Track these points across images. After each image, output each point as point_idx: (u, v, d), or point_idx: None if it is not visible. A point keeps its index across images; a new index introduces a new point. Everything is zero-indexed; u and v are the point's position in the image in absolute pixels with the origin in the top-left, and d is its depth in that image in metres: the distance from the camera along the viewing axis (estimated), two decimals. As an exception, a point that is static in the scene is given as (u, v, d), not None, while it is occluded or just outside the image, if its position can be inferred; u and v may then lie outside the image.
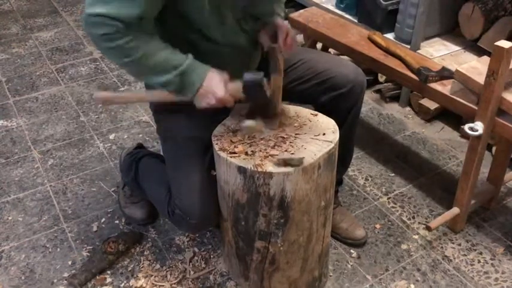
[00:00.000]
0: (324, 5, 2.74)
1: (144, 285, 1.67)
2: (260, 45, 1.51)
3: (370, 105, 2.59)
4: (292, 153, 1.31)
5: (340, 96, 1.54)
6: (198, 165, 1.47)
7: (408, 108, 2.56)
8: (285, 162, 1.27)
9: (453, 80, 1.68)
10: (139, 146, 2.00)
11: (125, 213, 1.92)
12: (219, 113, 1.42)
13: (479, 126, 1.58)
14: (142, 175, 1.75)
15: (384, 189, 2.06)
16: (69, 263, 1.76)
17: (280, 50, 1.41)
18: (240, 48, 1.43)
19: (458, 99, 1.67)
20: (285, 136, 1.38)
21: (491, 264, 1.74)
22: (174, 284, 1.67)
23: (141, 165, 1.76)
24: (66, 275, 1.72)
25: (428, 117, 2.45)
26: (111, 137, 2.40)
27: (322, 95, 1.56)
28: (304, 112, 1.49)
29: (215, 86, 1.30)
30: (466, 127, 1.61)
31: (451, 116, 2.40)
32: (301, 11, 2.35)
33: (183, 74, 1.29)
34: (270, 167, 1.28)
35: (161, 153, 1.81)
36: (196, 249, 1.80)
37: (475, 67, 1.64)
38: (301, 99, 1.56)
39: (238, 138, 1.38)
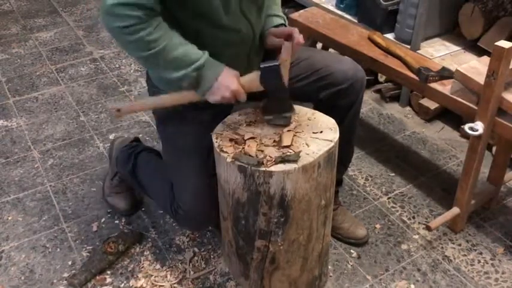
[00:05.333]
0: (324, 5, 2.74)
1: (144, 285, 1.67)
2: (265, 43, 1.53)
3: (370, 105, 2.59)
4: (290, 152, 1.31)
5: (339, 93, 1.54)
6: (199, 169, 1.48)
7: (408, 108, 2.56)
8: (282, 159, 1.27)
9: (453, 80, 1.68)
10: (136, 140, 1.98)
11: (107, 201, 1.94)
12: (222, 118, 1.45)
13: (479, 126, 1.58)
14: (143, 170, 1.74)
15: (384, 189, 2.06)
16: (69, 263, 1.76)
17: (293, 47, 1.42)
18: (241, 34, 1.44)
19: (458, 99, 1.67)
20: (285, 135, 1.38)
21: (492, 264, 1.74)
22: (174, 284, 1.67)
23: (140, 160, 1.76)
24: (66, 275, 1.72)
25: (428, 117, 2.45)
26: (111, 137, 2.40)
27: (322, 92, 1.56)
28: (304, 111, 1.49)
29: (229, 80, 1.35)
30: (466, 127, 1.61)
31: (451, 116, 2.40)
32: (301, 11, 2.35)
33: (200, 68, 1.33)
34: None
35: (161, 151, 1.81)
36: (196, 250, 1.80)
37: (475, 67, 1.64)
38: (301, 96, 1.56)
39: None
